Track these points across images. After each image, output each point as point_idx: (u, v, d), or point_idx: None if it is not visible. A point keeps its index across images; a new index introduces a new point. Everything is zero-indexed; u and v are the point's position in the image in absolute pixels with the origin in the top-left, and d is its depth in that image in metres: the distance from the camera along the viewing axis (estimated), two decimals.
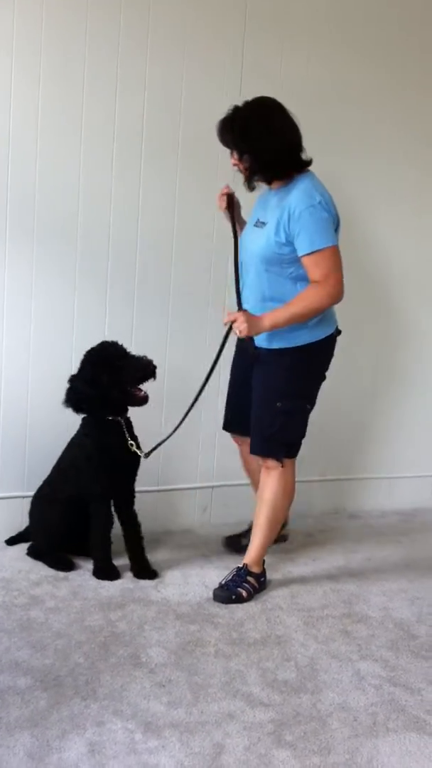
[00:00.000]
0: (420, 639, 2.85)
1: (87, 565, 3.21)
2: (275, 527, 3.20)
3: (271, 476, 3.12)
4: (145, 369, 3.12)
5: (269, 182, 3.02)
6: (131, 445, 3.18)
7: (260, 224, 3.03)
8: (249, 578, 3.10)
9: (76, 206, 3.42)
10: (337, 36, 3.78)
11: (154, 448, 3.21)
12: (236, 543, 3.47)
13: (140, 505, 3.32)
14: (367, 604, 3.11)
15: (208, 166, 3.57)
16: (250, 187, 3.04)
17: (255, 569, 3.13)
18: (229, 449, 3.78)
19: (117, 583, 3.11)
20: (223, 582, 3.09)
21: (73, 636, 2.68)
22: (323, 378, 3.16)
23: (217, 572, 3.26)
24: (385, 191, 4.01)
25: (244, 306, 3.05)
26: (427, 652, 2.76)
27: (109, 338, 3.35)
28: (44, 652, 2.57)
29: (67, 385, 3.15)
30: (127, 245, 3.53)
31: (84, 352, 3.20)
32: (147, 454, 3.20)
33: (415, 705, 2.43)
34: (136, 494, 3.30)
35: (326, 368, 3.16)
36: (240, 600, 3.02)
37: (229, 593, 3.04)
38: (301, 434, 3.14)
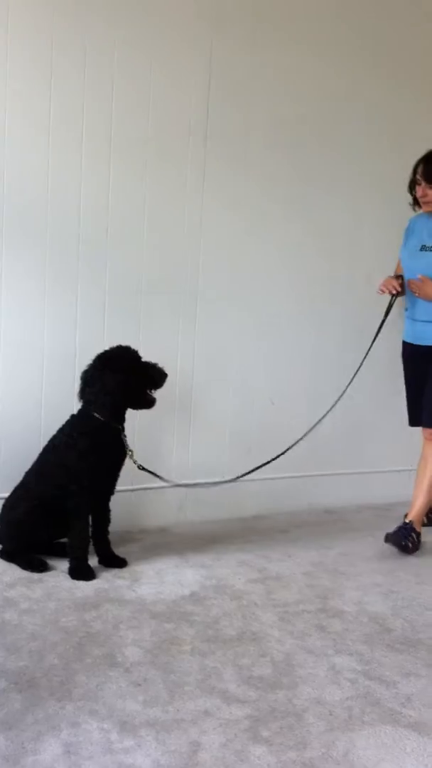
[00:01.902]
0: (395, 632, 2.86)
1: (61, 566, 3.20)
2: None
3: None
4: (162, 375, 3.24)
5: None
6: (131, 453, 3.26)
7: (429, 248, 3.65)
8: (412, 534, 3.60)
9: (45, 210, 3.40)
10: (306, 38, 3.79)
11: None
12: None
13: (116, 504, 3.32)
14: (342, 598, 3.12)
15: (177, 167, 3.58)
16: None
17: (418, 528, 3.64)
18: (204, 447, 3.79)
19: (91, 583, 3.10)
20: (391, 532, 3.58)
21: (47, 637, 2.67)
22: None
23: (193, 570, 3.27)
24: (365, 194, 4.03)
25: (420, 322, 3.71)
26: (402, 645, 2.77)
27: (79, 340, 3.34)
28: (19, 654, 2.56)
29: (94, 390, 3.16)
30: (96, 246, 3.51)
31: (99, 356, 3.20)
32: (140, 467, 3.34)
33: (390, 698, 2.45)
34: (118, 493, 3.31)
35: None
36: (407, 550, 3.55)
37: (400, 539, 3.55)
38: None
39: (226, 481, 3.71)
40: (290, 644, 2.74)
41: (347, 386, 3.87)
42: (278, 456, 3.71)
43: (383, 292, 3.77)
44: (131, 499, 3.64)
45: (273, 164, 3.83)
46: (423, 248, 3.70)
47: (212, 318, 3.81)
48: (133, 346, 3.25)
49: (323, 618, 2.95)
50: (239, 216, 3.79)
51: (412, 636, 2.84)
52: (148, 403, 3.28)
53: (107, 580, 3.14)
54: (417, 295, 3.66)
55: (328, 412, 3.83)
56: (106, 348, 3.25)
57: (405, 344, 3.87)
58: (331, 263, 4.06)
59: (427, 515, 3.99)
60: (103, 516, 3.30)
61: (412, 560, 3.55)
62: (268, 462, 3.72)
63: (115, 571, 3.22)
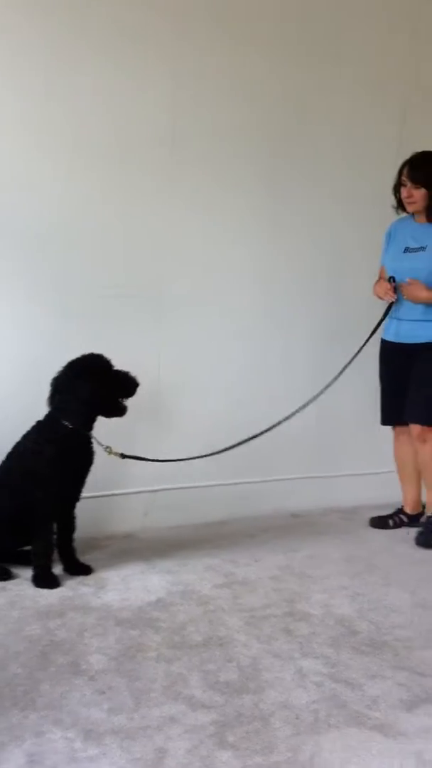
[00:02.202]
0: (361, 635, 2.87)
1: (25, 575, 3.16)
2: None
3: (428, 444, 3.77)
4: (133, 384, 3.23)
5: None
6: (108, 448, 3.26)
7: (413, 250, 3.72)
8: None
9: (10, 215, 3.38)
10: (272, 42, 3.81)
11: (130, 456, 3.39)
12: (384, 523, 4.03)
13: (81, 510, 3.29)
14: (308, 602, 3.12)
15: (144, 172, 3.58)
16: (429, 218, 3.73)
17: None
18: (169, 453, 3.77)
19: (56, 591, 3.07)
20: (417, 534, 3.80)
21: (10, 646, 2.63)
22: None
23: (159, 576, 3.25)
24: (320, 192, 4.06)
25: (406, 321, 3.78)
26: (368, 647, 2.78)
27: (43, 345, 3.31)
28: None
29: (65, 398, 3.13)
30: (61, 251, 3.49)
31: (70, 363, 3.16)
32: (123, 456, 3.35)
33: (356, 700, 2.44)
34: (84, 499, 3.29)
35: None
36: None
37: (429, 538, 3.75)
38: None
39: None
40: (257, 649, 2.73)
41: (327, 387, 3.86)
42: (237, 445, 3.66)
43: (382, 298, 3.81)
44: (97, 505, 3.61)
45: (240, 169, 3.84)
46: (407, 250, 3.77)
47: (179, 322, 3.80)
48: (105, 354, 3.22)
49: (290, 622, 2.94)
50: (206, 220, 3.80)
51: (377, 638, 2.84)
52: (120, 410, 3.25)
53: (72, 588, 3.11)
54: (405, 297, 3.73)
55: (295, 412, 3.82)
56: (78, 355, 3.20)
57: (386, 343, 3.91)
58: (299, 266, 4.07)
59: (406, 514, 4.07)
60: (68, 523, 3.27)
61: (378, 562, 3.56)
62: (227, 449, 3.67)
63: (80, 579, 3.19)
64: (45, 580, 3.10)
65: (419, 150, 4.19)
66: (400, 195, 3.76)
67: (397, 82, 4.17)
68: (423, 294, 3.69)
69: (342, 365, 3.98)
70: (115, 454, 3.32)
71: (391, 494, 4.31)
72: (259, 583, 3.26)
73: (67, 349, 3.35)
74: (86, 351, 3.26)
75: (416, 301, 3.72)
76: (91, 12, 3.39)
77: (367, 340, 3.88)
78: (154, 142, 3.60)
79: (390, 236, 3.90)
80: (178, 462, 3.81)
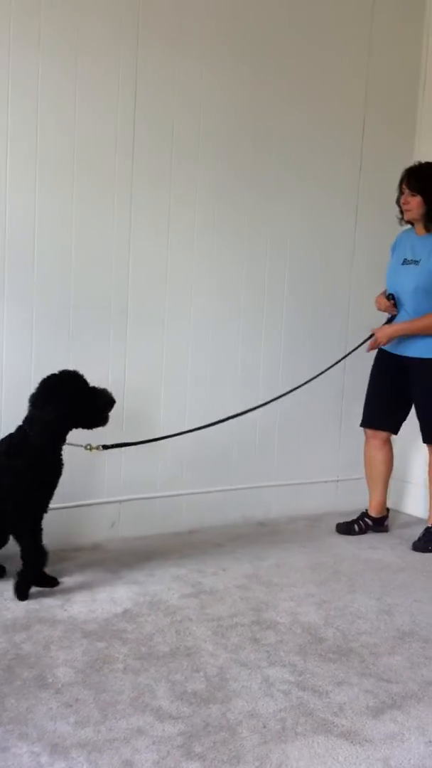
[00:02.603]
0: (327, 642, 2.88)
1: None
2: None
3: None
4: (109, 402, 3.20)
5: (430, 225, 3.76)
6: (88, 446, 3.27)
7: (409, 263, 3.80)
8: None
9: None
10: (231, 51, 3.83)
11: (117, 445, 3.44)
12: (349, 529, 4.09)
13: (48, 522, 3.26)
14: (275, 610, 3.13)
15: (104, 183, 3.58)
16: (427, 228, 3.79)
17: None
18: (136, 462, 3.77)
19: (22, 604, 3.04)
20: (416, 541, 3.90)
21: None
22: None
23: (126, 587, 3.24)
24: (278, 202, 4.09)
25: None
26: (334, 654, 2.79)
27: (5, 359, 3.28)
28: None
29: (31, 419, 3.09)
30: (22, 264, 3.48)
31: (44, 381, 3.11)
32: (105, 446, 3.37)
33: (322, 708, 2.46)
34: (51, 511, 3.26)
35: None
36: None
37: (425, 545, 3.87)
38: None
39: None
40: (224, 658, 2.73)
41: (297, 388, 3.91)
42: (182, 433, 3.68)
43: (384, 310, 3.91)
44: (64, 516, 3.59)
45: (201, 180, 3.85)
46: (405, 262, 3.85)
47: (143, 333, 3.80)
48: (79, 370, 3.18)
49: (257, 630, 2.95)
50: (167, 232, 3.80)
51: (344, 645, 2.86)
52: (103, 420, 3.21)
53: (38, 600, 3.08)
54: (383, 343, 3.86)
55: (258, 406, 3.85)
56: (54, 372, 3.15)
57: (384, 352, 3.96)
58: (260, 277, 4.09)
59: (371, 518, 4.13)
60: (38, 535, 3.23)
61: (344, 569, 3.58)
62: (176, 434, 3.68)
63: (47, 591, 3.17)
64: (20, 590, 3.08)
65: (380, 161, 4.28)
66: (400, 203, 3.84)
67: (355, 94, 4.22)
68: (392, 333, 3.81)
69: (304, 373, 4.01)
70: (96, 448, 3.31)
71: (356, 501, 4.35)
72: (226, 593, 3.27)
73: (30, 363, 3.34)
74: (48, 365, 3.24)
75: (395, 338, 3.82)
76: (48, 22, 3.38)
77: (349, 353, 3.95)
78: (113, 153, 3.60)
79: (395, 247, 3.98)
80: (146, 468, 3.82)
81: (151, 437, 3.64)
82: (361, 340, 3.96)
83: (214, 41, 3.78)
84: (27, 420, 3.13)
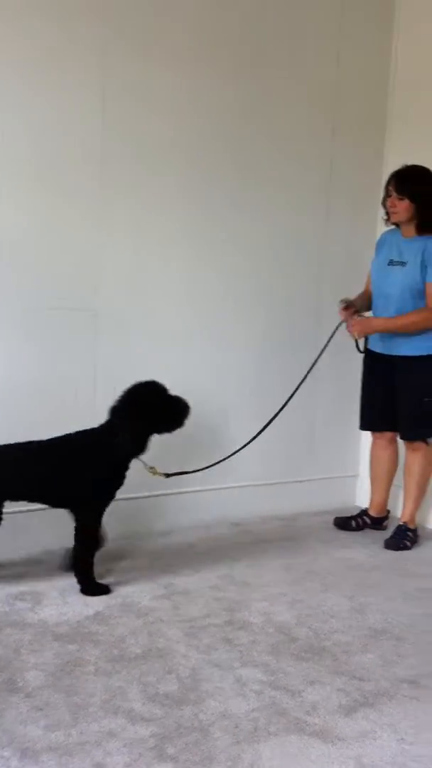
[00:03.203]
0: (299, 641, 2.88)
1: None
2: (425, 491, 4.02)
3: (418, 455, 3.94)
4: (188, 407, 3.32)
5: (423, 229, 3.75)
6: (152, 469, 3.39)
7: (395, 263, 3.81)
8: (408, 533, 3.94)
9: None
10: (200, 57, 3.83)
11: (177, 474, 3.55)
12: (347, 524, 4.16)
13: (21, 524, 3.24)
14: (248, 610, 3.12)
15: (73, 188, 3.56)
16: (417, 230, 3.79)
17: (411, 525, 3.97)
18: None
19: None
20: (388, 538, 3.93)
21: None
22: None
23: None
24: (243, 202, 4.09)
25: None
26: (306, 653, 2.79)
27: None
28: None
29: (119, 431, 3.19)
30: None
31: (131, 392, 3.24)
32: (168, 475, 3.50)
33: (295, 707, 2.45)
34: (21, 513, 3.24)
35: None
36: (406, 548, 3.89)
37: (397, 543, 3.89)
38: None
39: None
40: (196, 659, 2.72)
41: (291, 394, 3.90)
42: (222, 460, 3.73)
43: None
44: (35, 519, 3.56)
45: (171, 186, 3.83)
46: (391, 263, 3.85)
47: (113, 336, 3.77)
48: (160, 381, 3.29)
49: (230, 631, 2.94)
50: (137, 237, 3.78)
51: (316, 644, 2.86)
52: (180, 425, 3.33)
53: (8, 603, 3.05)
54: (357, 335, 3.89)
55: (274, 416, 3.88)
56: (135, 383, 3.26)
57: (371, 352, 4.00)
58: (231, 281, 4.08)
59: (370, 516, 4.18)
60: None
61: (317, 569, 3.59)
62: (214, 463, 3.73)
63: (17, 593, 3.14)
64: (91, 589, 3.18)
65: (350, 165, 4.29)
66: (386, 205, 3.84)
67: (325, 99, 4.22)
68: (375, 326, 3.83)
69: (275, 376, 4.01)
70: (160, 474, 3.42)
71: (330, 500, 4.36)
72: (199, 593, 3.26)
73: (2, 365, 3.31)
74: (16, 368, 3.21)
75: (371, 333, 3.85)
76: (15, 28, 3.35)
77: (321, 354, 3.95)
78: (82, 160, 3.58)
79: (379, 246, 3.99)
80: None
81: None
82: (335, 329, 3.95)
83: (182, 48, 3.77)
84: (112, 427, 3.20)
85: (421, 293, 3.76)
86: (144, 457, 3.29)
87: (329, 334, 3.97)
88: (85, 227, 3.64)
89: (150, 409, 3.21)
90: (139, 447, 3.23)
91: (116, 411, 3.24)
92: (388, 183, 3.79)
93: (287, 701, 2.48)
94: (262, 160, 4.07)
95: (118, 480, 3.26)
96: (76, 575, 3.20)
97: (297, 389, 3.89)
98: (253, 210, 4.09)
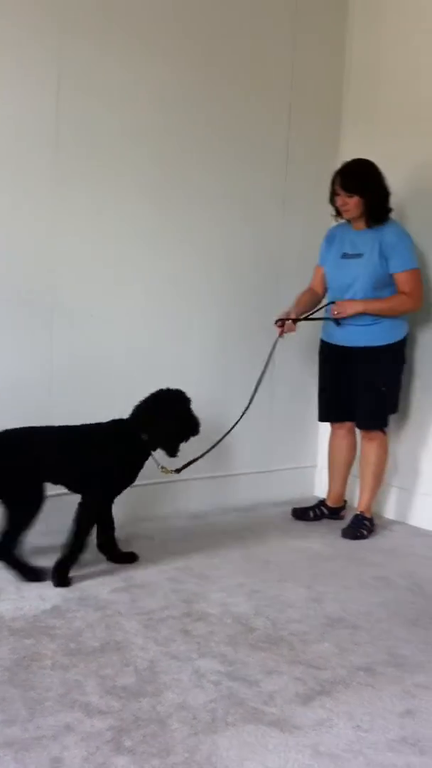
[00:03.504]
0: (257, 631, 2.89)
1: None
2: (381, 480, 4.08)
3: (374, 444, 3.97)
4: (197, 426, 3.50)
5: (374, 222, 3.79)
6: (163, 469, 3.51)
7: (350, 256, 3.85)
8: (365, 522, 3.97)
9: None
10: (153, 44, 3.80)
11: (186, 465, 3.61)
12: (305, 514, 4.19)
13: None
14: (207, 601, 3.13)
15: (28, 176, 3.52)
16: (368, 224, 3.83)
17: (368, 515, 4.00)
18: None
19: None
20: (345, 528, 3.94)
21: None
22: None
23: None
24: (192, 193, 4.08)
25: (346, 325, 3.88)
26: (264, 643, 2.81)
27: None
28: None
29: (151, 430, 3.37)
30: None
31: (163, 396, 3.42)
32: (179, 470, 3.59)
33: (252, 697, 2.47)
34: None
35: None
36: (362, 537, 3.92)
37: (354, 532, 3.92)
38: (395, 409, 4.01)
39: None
40: (154, 651, 2.72)
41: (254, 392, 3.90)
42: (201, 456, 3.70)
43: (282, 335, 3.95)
44: None
45: (129, 172, 3.81)
46: (344, 256, 3.89)
47: (70, 329, 3.75)
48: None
49: (188, 622, 2.95)
50: (94, 225, 3.76)
51: (274, 634, 2.88)
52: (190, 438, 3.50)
53: None
54: (339, 316, 3.86)
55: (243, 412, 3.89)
56: (163, 388, 3.43)
57: (326, 344, 4.01)
58: (191, 271, 4.08)
59: (328, 506, 4.23)
60: (108, 521, 3.49)
61: (275, 559, 3.61)
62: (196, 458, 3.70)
63: None
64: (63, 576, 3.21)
65: (306, 156, 4.30)
66: (335, 203, 3.85)
67: (280, 89, 4.23)
68: (357, 307, 3.82)
69: (237, 369, 4.02)
70: (170, 471, 3.53)
71: (289, 491, 4.39)
72: (157, 586, 3.25)
73: None
74: None
75: (353, 313, 3.84)
76: None
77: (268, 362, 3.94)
78: (37, 149, 3.54)
79: (329, 240, 4.00)
80: None
81: None
82: (321, 314, 4.00)
83: (137, 38, 3.75)
84: (137, 423, 3.38)
85: (382, 282, 3.80)
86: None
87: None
88: (39, 216, 3.60)
89: (175, 416, 3.40)
90: (162, 446, 3.41)
91: (142, 410, 3.41)
92: (334, 181, 3.80)
93: (245, 691, 2.49)
94: (219, 150, 4.08)
95: (131, 473, 3.41)
96: (64, 554, 3.25)
97: (255, 392, 3.89)
98: (211, 199, 4.09)
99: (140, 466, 3.44)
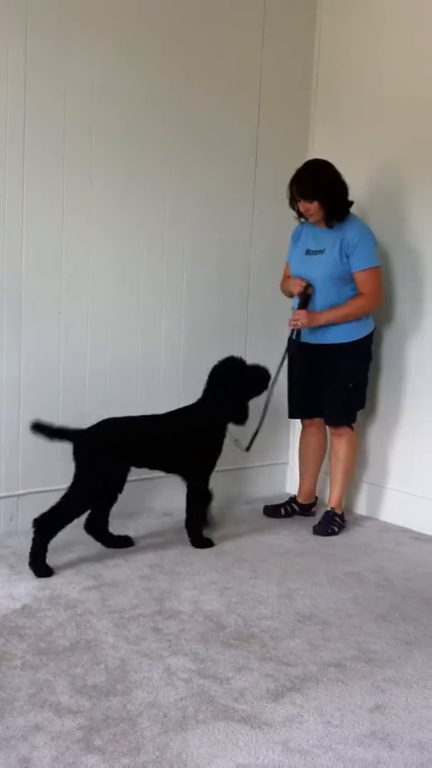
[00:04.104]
0: (228, 629, 2.90)
1: None
2: (351, 476, 4.12)
3: (343, 440, 4.00)
4: (267, 373, 3.84)
5: (335, 221, 3.82)
6: (236, 441, 3.84)
7: (313, 253, 3.88)
8: (336, 518, 3.98)
9: None
10: (122, 36, 3.78)
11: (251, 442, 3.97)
12: (276, 512, 4.19)
13: None
14: (178, 599, 3.13)
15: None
16: (329, 224, 3.86)
17: (338, 511, 4.02)
18: (34, 455, 3.70)
19: None
20: (316, 525, 3.95)
21: None
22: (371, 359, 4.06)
23: (25, 583, 3.18)
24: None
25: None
26: (235, 640, 2.81)
27: None
28: None
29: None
30: None
31: (217, 367, 3.71)
32: (248, 449, 3.97)
33: (223, 694, 2.47)
34: None
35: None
36: (333, 533, 3.92)
37: (325, 528, 3.92)
38: (362, 405, 4.05)
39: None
40: (125, 650, 2.71)
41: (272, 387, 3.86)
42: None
43: (293, 293, 3.97)
44: None
45: (97, 164, 3.79)
46: (308, 252, 3.92)
47: (39, 325, 3.72)
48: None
49: (159, 620, 2.94)
50: (62, 217, 3.73)
51: (245, 631, 2.88)
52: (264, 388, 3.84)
53: None
54: (293, 325, 3.93)
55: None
56: (218, 362, 3.73)
57: (298, 342, 4.01)
58: (160, 265, 4.07)
59: (299, 503, 4.24)
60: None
61: (246, 556, 3.61)
62: None
63: None
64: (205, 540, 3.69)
65: (275, 151, 4.30)
66: (297, 208, 3.87)
67: (249, 84, 4.23)
68: (318, 320, 3.87)
69: (204, 362, 4.01)
70: (241, 447, 3.91)
71: (261, 489, 4.40)
72: (128, 584, 3.25)
73: None
74: None
75: (315, 326, 3.88)
76: None
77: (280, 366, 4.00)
78: (2, 134, 3.50)
79: (294, 238, 4.03)
80: (44, 461, 3.77)
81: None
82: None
83: (106, 27, 3.72)
84: (206, 402, 3.70)
85: (342, 279, 3.83)
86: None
87: (256, 316, 4.03)
88: (5, 206, 3.56)
89: (236, 380, 3.67)
90: (239, 415, 3.70)
91: (209, 389, 3.71)
92: (291, 188, 3.81)
93: (215, 689, 2.49)
94: (188, 143, 4.06)
95: (218, 446, 3.72)
96: (189, 533, 3.70)
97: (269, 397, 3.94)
98: (180, 193, 4.08)
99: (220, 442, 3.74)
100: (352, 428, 4.01)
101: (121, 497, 4.00)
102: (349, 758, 2.18)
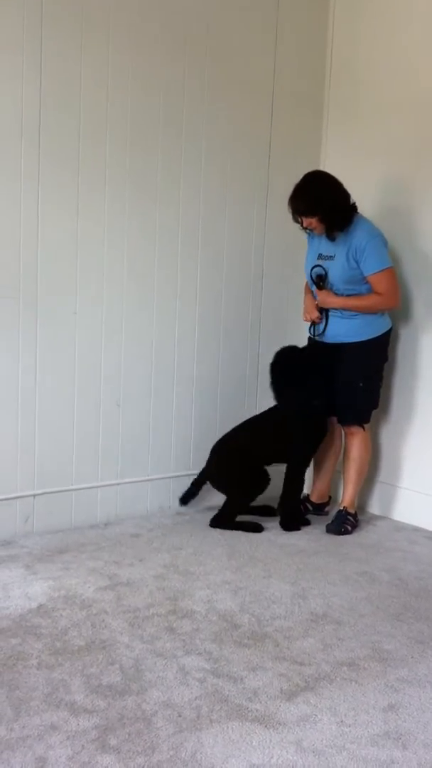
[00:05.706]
0: (242, 628, 2.91)
1: None
2: (364, 476, 4.12)
3: (356, 440, 4.02)
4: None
5: (339, 230, 3.85)
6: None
7: (325, 258, 3.93)
8: (349, 518, 3.99)
9: None
10: (137, 31, 3.79)
11: None
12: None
13: None
14: (192, 599, 3.14)
15: (9, 168, 3.50)
16: (331, 237, 3.89)
17: (351, 510, 4.03)
18: (50, 455, 3.73)
19: None
20: (329, 524, 3.98)
21: None
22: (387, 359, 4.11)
23: (41, 582, 3.20)
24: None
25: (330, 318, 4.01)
26: (249, 639, 2.82)
27: None
28: None
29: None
30: None
31: (274, 365, 3.96)
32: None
33: (237, 694, 2.48)
34: None
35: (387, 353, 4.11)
36: (347, 533, 3.94)
37: (338, 528, 3.94)
38: (376, 405, 4.07)
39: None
40: (140, 649, 2.73)
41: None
42: None
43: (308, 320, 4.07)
44: None
45: (110, 165, 3.80)
46: (320, 257, 3.96)
47: (53, 324, 3.74)
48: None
49: (173, 620, 2.96)
50: (77, 217, 3.74)
51: (258, 630, 2.90)
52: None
53: None
54: (320, 304, 3.99)
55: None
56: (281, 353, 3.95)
57: (312, 340, 4.08)
58: (174, 264, 4.08)
59: (312, 503, 4.27)
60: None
61: (260, 556, 3.62)
62: None
63: None
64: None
65: (288, 147, 4.30)
66: (300, 224, 3.90)
67: (263, 80, 4.23)
68: (335, 302, 3.91)
69: (218, 362, 4.03)
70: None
71: (272, 488, 4.39)
72: (143, 583, 3.27)
73: None
74: None
75: (329, 306, 3.94)
76: None
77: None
78: (18, 138, 3.52)
79: (310, 241, 4.05)
80: (60, 461, 3.79)
81: (65, 429, 3.61)
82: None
83: (122, 24, 3.73)
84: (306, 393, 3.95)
85: (356, 282, 3.86)
86: None
87: (269, 315, 4.03)
88: (22, 207, 3.57)
89: (308, 368, 3.94)
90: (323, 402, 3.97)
91: (284, 384, 3.96)
92: (290, 203, 3.83)
93: (229, 688, 2.51)
94: (202, 140, 4.06)
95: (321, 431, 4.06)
96: (282, 515, 4.01)
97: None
98: (195, 189, 4.08)
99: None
100: (364, 428, 4.01)
101: (134, 498, 4.05)
102: (362, 758, 2.19)
